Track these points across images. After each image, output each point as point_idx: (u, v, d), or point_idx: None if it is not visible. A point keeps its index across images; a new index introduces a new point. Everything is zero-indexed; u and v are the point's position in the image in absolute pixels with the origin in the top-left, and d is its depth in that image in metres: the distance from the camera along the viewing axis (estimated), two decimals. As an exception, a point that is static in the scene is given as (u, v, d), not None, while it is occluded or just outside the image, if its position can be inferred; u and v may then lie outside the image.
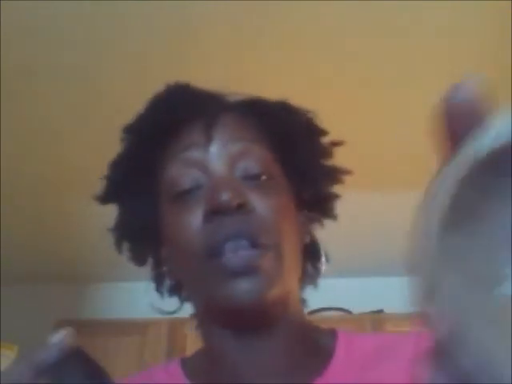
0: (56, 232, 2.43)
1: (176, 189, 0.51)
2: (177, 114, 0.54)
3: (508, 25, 1.48)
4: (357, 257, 2.42)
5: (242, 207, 0.48)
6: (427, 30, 1.56)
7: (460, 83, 0.19)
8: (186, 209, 0.50)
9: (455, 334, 0.19)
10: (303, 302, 0.59)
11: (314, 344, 0.54)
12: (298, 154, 0.56)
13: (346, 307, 2.42)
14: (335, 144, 0.59)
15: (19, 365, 0.36)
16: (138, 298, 2.74)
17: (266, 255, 0.48)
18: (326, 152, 0.59)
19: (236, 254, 0.46)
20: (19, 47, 1.58)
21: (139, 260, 0.59)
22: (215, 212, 0.47)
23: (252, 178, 0.51)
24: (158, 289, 0.60)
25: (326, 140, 0.59)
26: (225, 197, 0.47)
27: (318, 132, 0.59)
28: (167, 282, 0.59)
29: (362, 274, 2.60)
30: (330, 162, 0.59)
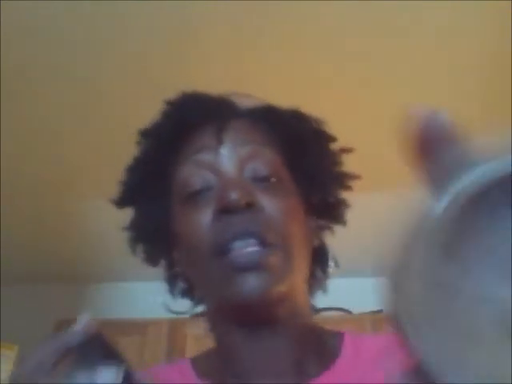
0: (56, 232, 2.43)
1: (187, 189, 0.53)
2: (190, 119, 0.56)
3: (508, 25, 1.48)
4: (357, 257, 2.42)
5: (250, 206, 0.49)
6: (427, 29, 1.56)
7: (433, 112, 0.20)
8: (197, 209, 0.52)
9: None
10: (312, 306, 0.60)
11: (320, 344, 0.55)
12: (306, 159, 0.57)
13: (346, 307, 2.42)
14: (344, 151, 0.60)
15: (45, 346, 0.39)
16: (138, 298, 2.76)
17: (273, 253, 0.49)
18: (335, 158, 0.60)
19: (244, 251, 0.48)
20: (19, 47, 1.58)
21: (153, 261, 0.60)
22: (224, 211, 0.49)
23: (261, 180, 0.52)
24: (171, 291, 0.61)
25: (335, 146, 0.60)
26: (234, 196, 0.49)
27: (327, 138, 0.60)
28: (180, 284, 0.61)
29: (362, 274, 2.60)
30: (338, 168, 0.60)
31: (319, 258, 0.59)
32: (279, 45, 1.59)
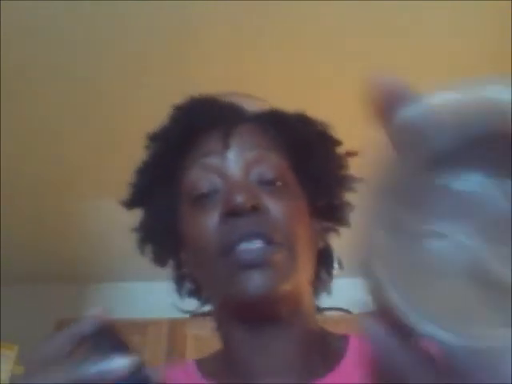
0: (56, 232, 2.43)
1: (195, 192, 0.54)
2: (198, 124, 0.57)
3: (508, 25, 1.48)
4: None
5: (256, 209, 0.50)
6: (427, 29, 1.56)
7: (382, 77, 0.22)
8: (204, 211, 0.53)
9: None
10: (317, 308, 0.60)
11: (325, 345, 0.55)
12: (312, 162, 0.58)
13: (345, 307, 2.42)
14: (350, 154, 0.60)
15: (59, 336, 0.40)
16: (138, 298, 2.76)
17: (278, 251, 0.50)
18: (340, 161, 0.60)
19: (249, 249, 0.49)
20: (19, 47, 1.58)
21: (161, 262, 0.62)
22: (231, 214, 0.50)
23: (267, 184, 0.53)
24: (179, 291, 0.62)
25: (340, 150, 0.61)
26: (240, 199, 0.50)
27: (332, 142, 0.60)
28: (187, 285, 0.62)
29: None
30: (343, 172, 0.60)
31: (324, 259, 0.60)
32: (279, 45, 1.59)
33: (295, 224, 0.53)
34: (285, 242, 0.51)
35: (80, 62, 1.64)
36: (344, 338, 0.56)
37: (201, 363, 0.58)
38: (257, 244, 0.49)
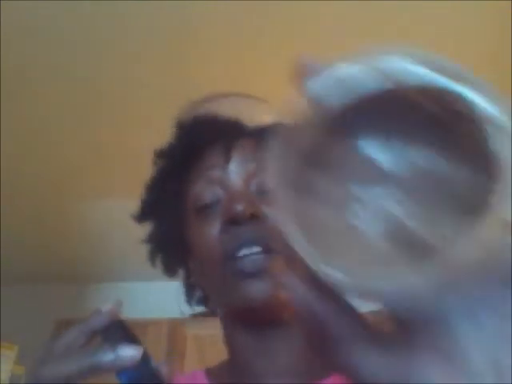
0: (56, 232, 2.43)
1: (199, 203, 0.58)
2: (201, 140, 0.61)
3: (508, 25, 1.48)
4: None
5: (255, 217, 0.53)
6: (427, 29, 1.56)
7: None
8: (207, 221, 0.56)
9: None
10: None
11: None
12: None
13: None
14: None
15: (72, 330, 0.44)
16: (138, 297, 2.76)
17: (276, 259, 0.52)
18: None
19: (249, 258, 0.52)
20: (19, 47, 1.58)
21: (170, 272, 0.65)
22: (231, 222, 0.53)
23: (266, 193, 0.55)
24: (189, 300, 0.66)
25: None
26: (239, 208, 0.53)
27: None
28: (196, 294, 0.65)
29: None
30: None
31: None
32: (279, 45, 1.59)
33: None
34: (281, 248, 0.51)
35: (80, 62, 1.64)
36: None
37: (210, 372, 0.60)
38: (255, 250, 0.52)
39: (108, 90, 1.73)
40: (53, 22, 1.52)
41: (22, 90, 1.73)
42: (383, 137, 0.24)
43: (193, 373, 0.62)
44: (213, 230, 0.55)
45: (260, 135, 0.60)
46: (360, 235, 0.23)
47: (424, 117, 0.23)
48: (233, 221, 0.53)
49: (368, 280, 0.20)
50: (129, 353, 0.41)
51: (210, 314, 0.64)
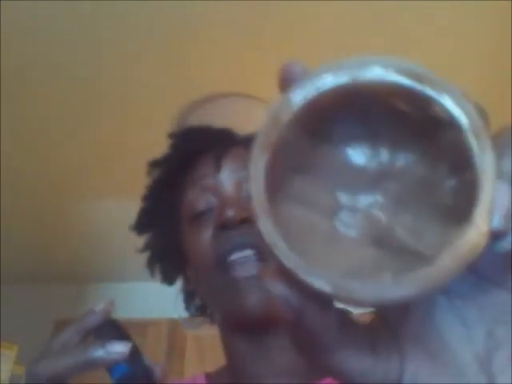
0: (56, 232, 2.43)
1: (193, 211, 0.59)
2: (193, 150, 0.63)
3: (508, 25, 1.48)
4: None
5: (246, 221, 0.54)
6: (427, 29, 1.56)
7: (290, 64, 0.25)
8: (200, 227, 0.58)
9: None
10: None
11: None
12: None
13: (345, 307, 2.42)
14: None
15: (67, 330, 0.46)
16: (137, 297, 2.75)
17: (268, 264, 0.51)
18: None
19: (242, 267, 0.53)
20: (19, 47, 1.58)
21: (169, 280, 0.66)
22: (222, 227, 0.55)
23: None
24: (188, 308, 0.67)
25: None
26: (230, 213, 0.54)
27: None
28: (195, 302, 0.67)
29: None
30: None
31: None
32: (279, 45, 1.59)
33: None
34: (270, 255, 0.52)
35: (80, 62, 1.64)
36: None
37: (209, 377, 0.61)
38: (247, 253, 0.53)
39: (108, 90, 1.73)
40: (53, 22, 1.51)
41: (22, 90, 1.72)
42: (370, 144, 0.24)
43: (193, 376, 0.62)
44: (205, 236, 0.56)
45: (250, 143, 0.60)
46: (346, 242, 0.23)
47: (410, 124, 0.23)
48: (224, 225, 0.54)
49: (351, 291, 0.20)
50: (118, 349, 0.43)
51: (209, 321, 0.66)
